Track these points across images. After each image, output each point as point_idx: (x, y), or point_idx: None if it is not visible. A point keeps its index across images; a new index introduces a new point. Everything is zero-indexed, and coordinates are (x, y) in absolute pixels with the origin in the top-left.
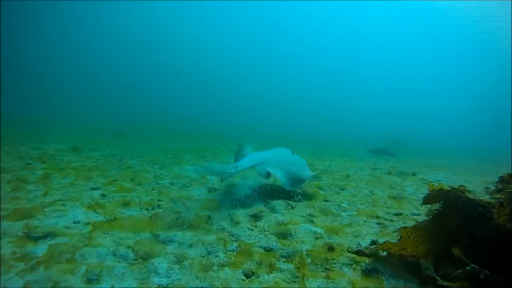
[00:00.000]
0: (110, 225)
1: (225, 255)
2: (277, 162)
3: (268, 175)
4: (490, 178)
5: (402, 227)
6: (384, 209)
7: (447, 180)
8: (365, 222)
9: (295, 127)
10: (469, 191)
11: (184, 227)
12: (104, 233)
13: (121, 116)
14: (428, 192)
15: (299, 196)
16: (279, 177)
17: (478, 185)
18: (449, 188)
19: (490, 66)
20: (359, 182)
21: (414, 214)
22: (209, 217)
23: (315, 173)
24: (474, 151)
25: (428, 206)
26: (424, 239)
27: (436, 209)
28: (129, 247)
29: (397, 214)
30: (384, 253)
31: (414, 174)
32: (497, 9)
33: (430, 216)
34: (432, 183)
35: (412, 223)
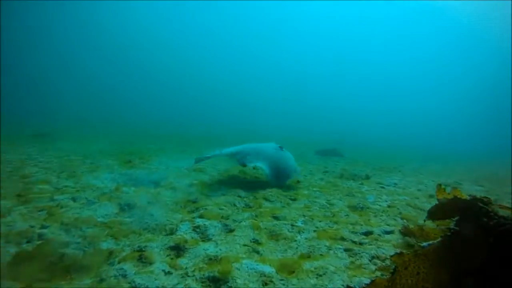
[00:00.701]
0: None
1: None
2: (258, 154)
3: (244, 164)
4: (442, 179)
5: (395, 254)
6: (348, 227)
7: (403, 182)
8: (329, 249)
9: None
10: (497, 204)
11: (68, 275)
12: None
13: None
14: (436, 202)
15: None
16: (263, 170)
17: (432, 187)
18: (467, 197)
19: (489, 66)
20: (312, 189)
21: (387, 232)
22: (110, 253)
23: (300, 168)
24: (420, 151)
25: (404, 221)
26: (429, 272)
27: (449, 227)
28: None
29: (366, 234)
30: None
31: (368, 177)
32: (497, 9)
33: (440, 239)
34: (442, 186)
35: (388, 246)
